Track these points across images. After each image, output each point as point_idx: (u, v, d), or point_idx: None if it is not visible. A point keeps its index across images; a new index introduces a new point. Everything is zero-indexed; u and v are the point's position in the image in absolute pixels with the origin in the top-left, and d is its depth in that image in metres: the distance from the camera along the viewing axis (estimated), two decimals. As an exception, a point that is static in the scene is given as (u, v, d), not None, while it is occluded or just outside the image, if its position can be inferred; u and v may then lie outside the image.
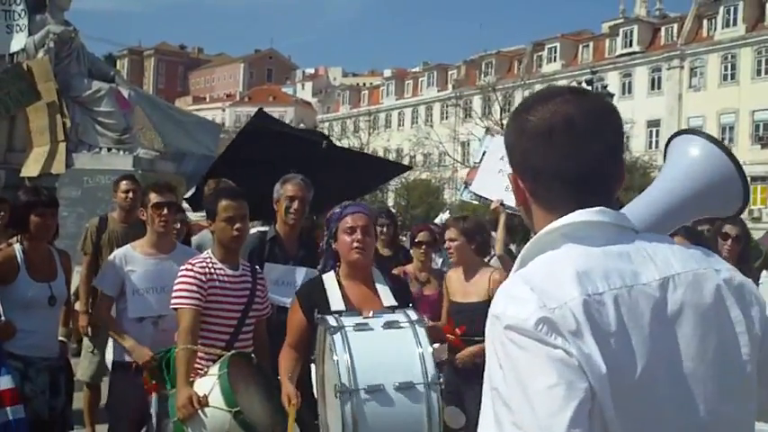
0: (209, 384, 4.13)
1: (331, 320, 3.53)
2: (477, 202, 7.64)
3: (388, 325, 3.52)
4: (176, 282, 4.49)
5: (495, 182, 7.18)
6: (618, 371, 1.41)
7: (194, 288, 4.42)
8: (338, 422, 3.24)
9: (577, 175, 1.57)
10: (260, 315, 4.77)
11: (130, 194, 6.91)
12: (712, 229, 5.90)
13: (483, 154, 7.60)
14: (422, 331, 3.52)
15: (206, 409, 4.06)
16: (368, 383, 3.25)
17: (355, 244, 4.06)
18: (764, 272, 5.18)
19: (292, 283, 5.48)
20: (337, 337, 3.35)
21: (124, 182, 7.08)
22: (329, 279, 4.15)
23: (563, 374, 1.38)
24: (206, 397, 4.08)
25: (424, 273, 6.54)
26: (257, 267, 4.92)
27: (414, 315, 3.66)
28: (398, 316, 3.66)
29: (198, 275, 4.46)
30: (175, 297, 4.45)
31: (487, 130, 8.43)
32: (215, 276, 4.52)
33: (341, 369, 3.25)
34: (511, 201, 6.97)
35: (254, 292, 4.69)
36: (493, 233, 7.33)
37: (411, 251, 6.96)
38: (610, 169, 1.62)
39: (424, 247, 6.57)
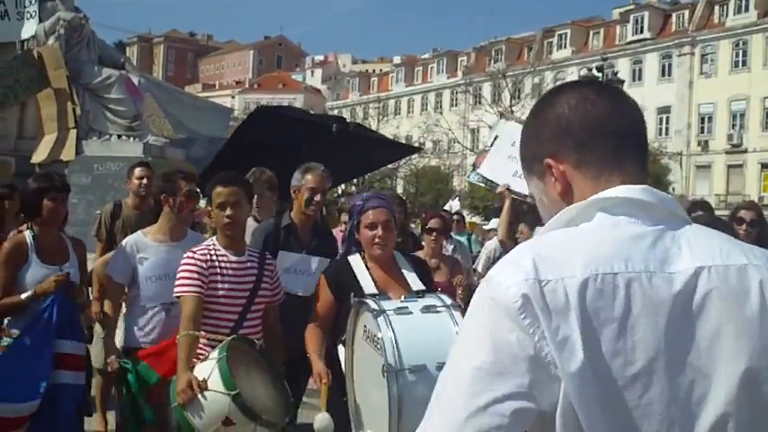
0: (208, 368, 4.13)
1: (372, 304, 3.64)
2: (483, 185, 7.66)
3: (426, 309, 3.65)
4: (179, 270, 4.51)
5: (504, 167, 7.18)
6: (608, 359, 1.32)
7: (195, 275, 4.43)
8: (385, 400, 3.33)
9: (623, 130, 1.55)
10: (270, 301, 4.76)
11: (144, 181, 6.94)
12: (729, 215, 5.94)
13: (495, 138, 7.60)
14: (457, 314, 3.65)
15: (206, 393, 4.07)
16: (412, 363, 3.36)
17: (377, 240, 4.23)
18: None
19: (306, 272, 5.50)
20: (381, 319, 3.45)
21: (138, 168, 7.11)
22: (356, 261, 4.30)
23: (504, 362, 1.32)
24: (205, 381, 4.08)
25: (434, 259, 6.55)
26: (267, 253, 4.91)
27: (447, 300, 3.80)
28: (434, 300, 3.79)
29: (199, 263, 4.47)
30: (178, 285, 4.47)
31: (501, 114, 8.43)
32: (217, 263, 4.52)
33: (387, 350, 3.36)
34: (517, 186, 6.97)
35: (260, 278, 4.66)
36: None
37: (422, 237, 6.98)
38: (644, 130, 1.61)
39: (434, 233, 6.59)
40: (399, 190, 46.56)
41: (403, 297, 3.84)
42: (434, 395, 1.39)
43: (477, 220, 30.57)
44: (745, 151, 50.03)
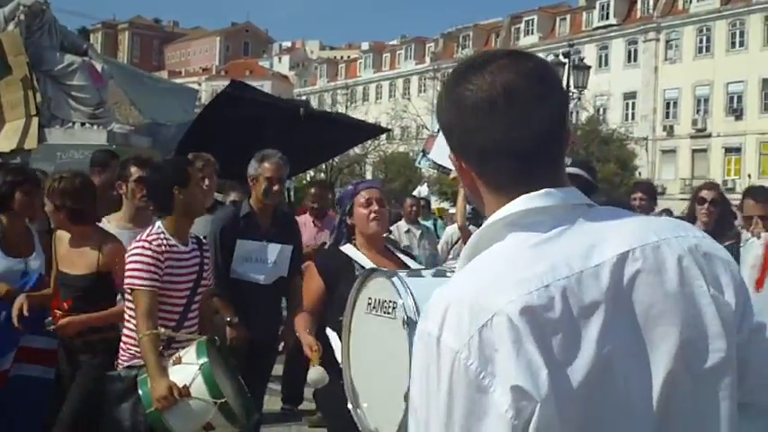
0: (189, 374, 4.00)
1: (383, 269, 3.64)
2: (435, 171, 7.61)
3: (437, 273, 3.61)
4: (131, 259, 4.23)
5: None
6: (567, 370, 1.30)
7: (152, 268, 4.19)
8: (406, 352, 3.22)
9: (528, 146, 1.44)
10: (206, 289, 4.65)
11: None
12: (690, 196, 6.07)
13: None
14: None
15: (188, 401, 3.96)
16: None
17: (372, 215, 4.26)
18: (744, 232, 5.24)
19: (265, 260, 5.48)
20: (396, 280, 3.38)
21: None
22: (349, 248, 4.30)
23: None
24: (187, 388, 3.96)
25: None
26: (203, 239, 4.78)
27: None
28: (441, 268, 3.80)
29: (155, 254, 4.22)
30: (131, 276, 4.19)
31: None
32: (170, 254, 4.30)
33: (406, 305, 3.28)
34: None
35: (202, 266, 4.51)
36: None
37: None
38: (560, 134, 1.49)
39: None
40: (368, 176, 46.52)
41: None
42: None
43: (445, 205, 30.66)
44: (710, 136, 50.57)
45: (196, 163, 6.17)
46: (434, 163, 7.36)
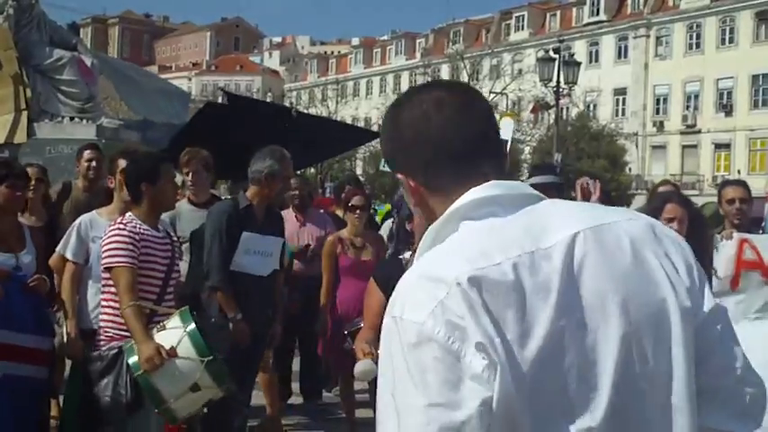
0: (175, 337, 4.17)
1: None
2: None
3: None
4: (107, 241, 4.41)
5: None
6: (519, 343, 1.33)
7: (130, 247, 4.36)
8: None
9: (463, 145, 1.52)
10: (178, 278, 4.83)
11: (93, 163, 6.84)
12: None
13: None
14: None
15: (176, 361, 4.11)
16: None
17: None
18: (717, 236, 5.25)
19: (266, 253, 5.51)
20: None
21: (87, 151, 7.01)
22: (409, 258, 4.15)
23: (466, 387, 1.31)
24: (174, 348, 4.12)
25: (359, 238, 6.53)
26: (173, 233, 4.93)
27: None
28: None
29: (132, 234, 4.40)
30: (110, 256, 4.37)
31: None
32: (145, 236, 4.48)
33: None
34: None
35: (173, 253, 4.69)
36: None
37: (345, 216, 6.91)
38: (491, 135, 1.58)
39: (358, 211, 6.50)
40: (359, 171, 46.51)
41: None
42: None
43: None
44: (699, 132, 50.71)
45: (183, 158, 6.18)
46: None
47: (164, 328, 4.27)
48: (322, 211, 8.56)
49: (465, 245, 1.42)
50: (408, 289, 1.41)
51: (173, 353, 4.11)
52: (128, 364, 4.27)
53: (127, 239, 4.37)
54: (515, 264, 1.37)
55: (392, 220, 4.46)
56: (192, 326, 4.19)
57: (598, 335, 1.39)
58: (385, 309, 4.15)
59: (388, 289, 4.07)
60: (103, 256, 4.41)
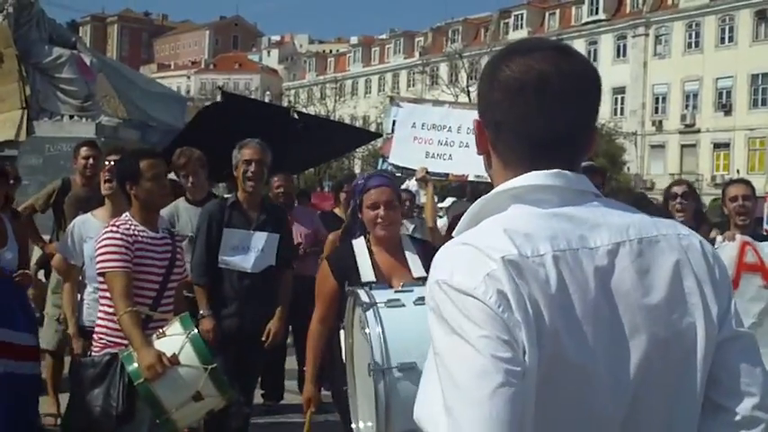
0: (176, 344, 4.05)
1: (363, 296, 3.41)
2: (399, 175, 7.33)
3: (420, 300, 3.36)
4: (101, 244, 4.30)
5: (413, 151, 6.98)
6: (552, 336, 1.34)
7: (123, 250, 4.24)
8: (371, 399, 3.18)
9: (541, 137, 1.48)
10: (180, 278, 4.69)
11: (90, 161, 6.85)
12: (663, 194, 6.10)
13: (393, 124, 7.31)
14: None
15: (178, 369, 3.99)
16: (400, 361, 3.13)
17: (379, 220, 4.03)
18: (719, 237, 5.25)
19: (253, 249, 5.50)
20: (370, 314, 3.24)
21: (84, 148, 7.02)
22: (359, 246, 4.10)
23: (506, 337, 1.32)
24: (176, 356, 4.01)
25: None
26: (175, 231, 4.83)
27: None
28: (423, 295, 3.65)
29: (124, 237, 4.28)
30: (103, 261, 4.25)
31: (391, 99, 7.98)
32: (139, 238, 4.35)
33: (374, 347, 3.15)
34: (435, 167, 6.83)
35: (174, 255, 4.56)
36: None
37: (345, 215, 6.86)
38: (578, 137, 1.52)
39: None
40: (357, 170, 46.48)
41: (402, 284, 3.61)
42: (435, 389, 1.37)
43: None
44: (698, 131, 50.70)
45: (179, 160, 6.22)
46: (396, 167, 7.11)
47: (164, 334, 4.15)
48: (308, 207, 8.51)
49: (513, 227, 1.41)
50: (457, 256, 1.41)
51: (175, 360, 3.99)
52: (121, 374, 4.14)
53: (119, 242, 4.26)
54: (558, 258, 1.38)
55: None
56: (195, 332, 4.09)
57: (622, 347, 1.40)
58: (338, 296, 3.88)
59: (337, 272, 4.10)
60: (97, 260, 4.30)
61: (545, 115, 1.46)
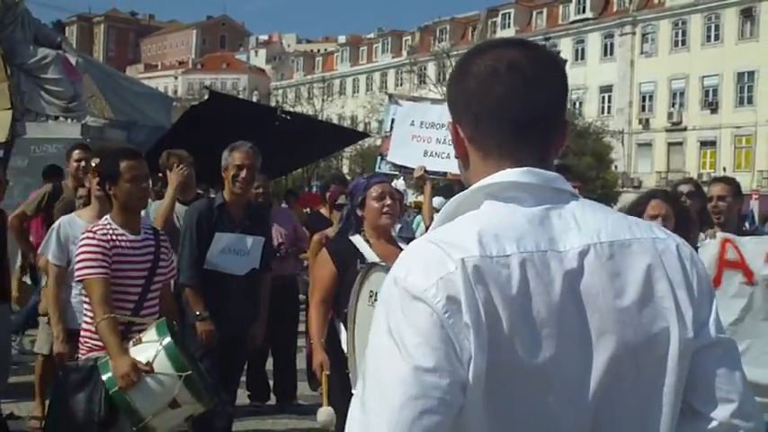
0: (150, 351, 4.01)
1: (383, 264, 3.81)
2: (398, 173, 7.33)
3: None
4: (79, 251, 4.25)
5: (411, 149, 6.98)
6: (508, 342, 1.33)
7: (100, 257, 4.18)
8: None
9: (518, 119, 1.49)
10: (165, 279, 4.61)
11: (83, 163, 6.83)
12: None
13: (392, 122, 7.32)
14: None
15: (151, 376, 3.96)
16: None
17: (385, 209, 4.46)
18: (702, 235, 5.25)
19: (242, 252, 5.49)
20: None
21: (76, 151, 7.02)
22: (357, 239, 4.48)
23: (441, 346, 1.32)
24: (150, 363, 3.97)
25: None
26: (160, 231, 4.75)
27: None
28: None
29: (101, 243, 4.21)
30: (81, 268, 4.20)
31: (390, 97, 8.00)
32: (118, 243, 4.28)
33: None
34: (433, 166, 6.84)
35: (157, 256, 4.47)
36: None
37: (330, 215, 6.86)
38: (552, 117, 1.53)
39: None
40: (345, 170, 46.45)
41: None
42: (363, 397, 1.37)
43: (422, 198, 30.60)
44: (685, 129, 50.93)
45: (169, 160, 6.19)
46: (394, 166, 7.10)
47: (140, 341, 4.09)
48: (285, 206, 8.50)
49: (483, 225, 1.41)
50: (418, 254, 1.41)
51: (149, 368, 3.96)
52: (103, 380, 4.09)
53: (96, 249, 4.20)
54: (524, 260, 1.37)
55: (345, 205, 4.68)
56: (168, 339, 4.01)
57: (586, 352, 1.39)
58: (336, 281, 4.37)
59: (337, 259, 4.35)
60: (76, 267, 4.25)
61: (520, 97, 1.48)
